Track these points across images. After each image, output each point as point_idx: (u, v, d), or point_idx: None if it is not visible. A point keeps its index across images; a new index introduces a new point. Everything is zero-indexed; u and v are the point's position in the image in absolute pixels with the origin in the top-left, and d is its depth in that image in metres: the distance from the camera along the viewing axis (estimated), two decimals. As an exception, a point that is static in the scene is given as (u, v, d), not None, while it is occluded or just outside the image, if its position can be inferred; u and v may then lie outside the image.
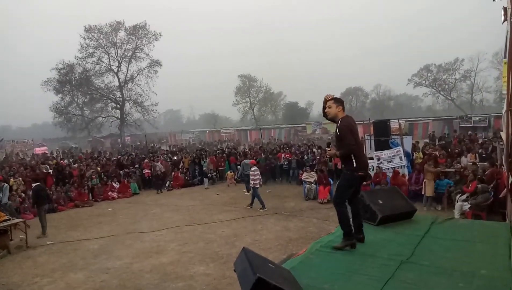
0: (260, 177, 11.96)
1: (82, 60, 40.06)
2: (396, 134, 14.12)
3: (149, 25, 41.18)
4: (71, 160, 20.09)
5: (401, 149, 12.01)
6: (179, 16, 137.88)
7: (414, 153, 13.66)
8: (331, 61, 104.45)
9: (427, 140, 21.53)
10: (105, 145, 40.92)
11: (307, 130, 37.55)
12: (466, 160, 12.53)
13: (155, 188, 16.24)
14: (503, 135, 6.81)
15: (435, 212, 9.61)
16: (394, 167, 11.82)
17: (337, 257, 3.65)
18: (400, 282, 2.99)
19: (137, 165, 17.95)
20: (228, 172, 17.08)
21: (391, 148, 12.34)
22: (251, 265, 2.55)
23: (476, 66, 46.20)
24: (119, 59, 41.88)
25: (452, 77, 48.06)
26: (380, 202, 4.68)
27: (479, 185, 8.74)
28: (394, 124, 17.38)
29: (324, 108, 4.06)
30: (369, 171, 11.92)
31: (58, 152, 27.91)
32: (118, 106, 42.81)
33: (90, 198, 14.54)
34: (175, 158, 19.80)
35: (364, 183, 11.51)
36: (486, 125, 25.81)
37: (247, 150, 21.51)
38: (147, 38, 41.46)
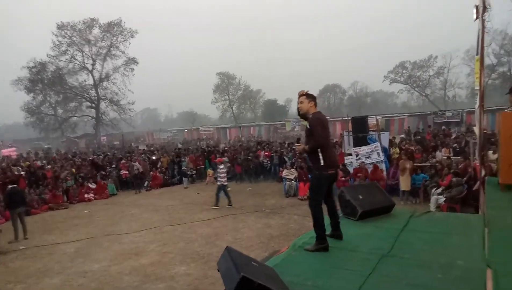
0: (226, 174, 12.07)
1: (54, 58, 38.85)
2: (373, 130, 14.38)
3: (124, 22, 40.37)
4: (44, 162, 19.44)
5: (378, 144, 12.24)
6: (155, 11, 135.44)
7: (391, 149, 13.96)
8: (309, 59, 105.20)
9: (403, 136, 22.06)
10: (80, 145, 39.74)
11: (287, 127, 37.74)
12: (440, 154, 12.91)
13: (133, 188, 15.94)
14: (476, 129, 7.03)
15: (412, 206, 9.86)
16: (372, 163, 12.04)
17: (319, 253, 3.67)
18: (382, 276, 3.03)
19: (114, 166, 17.56)
20: (209, 169, 16.97)
21: (369, 144, 12.55)
22: (235, 264, 2.52)
23: (449, 63, 47.64)
24: (93, 57, 40.83)
25: (426, 73, 49.34)
26: (360, 197, 4.73)
27: (454, 179, 9.03)
28: (371, 121, 17.73)
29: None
30: (347, 167, 12.32)
31: (30, 153, 26.94)
32: (93, 105, 41.75)
33: (65, 200, 14.13)
34: (154, 157, 19.50)
35: (343, 179, 11.73)
36: (459, 120, 26.64)
37: (227, 148, 21.42)
38: (122, 35, 40.61)
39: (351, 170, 12.32)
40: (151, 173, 16.99)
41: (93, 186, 15.26)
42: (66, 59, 39.61)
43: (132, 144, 35.80)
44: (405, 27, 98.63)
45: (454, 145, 14.21)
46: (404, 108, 56.75)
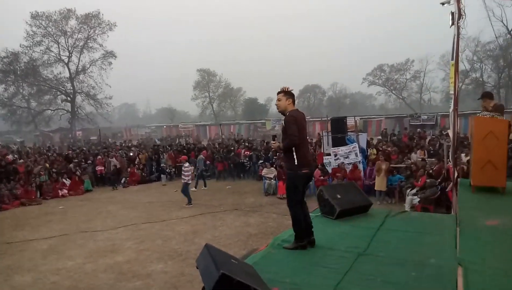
0: (191, 173, 12.15)
1: (28, 48, 37.54)
2: (352, 131, 14.64)
3: (102, 14, 39.43)
4: (16, 156, 18.76)
5: (356, 145, 12.47)
6: (135, 3, 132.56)
7: (368, 150, 14.24)
8: (290, 59, 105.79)
9: (379, 137, 22.55)
10: (54, 140, 38.56)
11: (267, 126, 37.84)
12: (416, 156, 13.26)
13: (110, 184, 15.63)
14: (450, 132, 7.28)
15: (388, 206, 10.10)
16: (350, 163, 12.26)
17: (298, 251, 3.71)
18: (358, 273, 3.10)
19: (89, 161, 17.14)
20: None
21: (348, 144, 12.77)
22: (214, 261, 2.51)
23: (425, 67, 49.02)
24: (69, 49, 39.77)
25: (403, 77, 50.60)
26: (339, 196, 4.81)
27: (428, 180, 9.31)
28: (350, 121, 18.03)
29: None
30: (326, 167, 12.50)
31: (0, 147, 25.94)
32: (68, 98, 40.65)
33: (38, 196, 13.67)
34: (131, 153, 19.16)
35: (322, 178, 11.89)
36: (434, 123, 27.48)
37: (206, 145, 21.31)
38: (100, 27, 39.65)
39: (329, 169, 12.50)
40: (129, 169, 16.69)
41: (67, 182, 14.85)
42: (40, 50, 38.49)
43: (109, 139, 35.05)
44: (384, 32, 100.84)
45: (429, 147, 14.64)
46: (381, 110, 58.00)
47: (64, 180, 14.78)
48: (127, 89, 76.43)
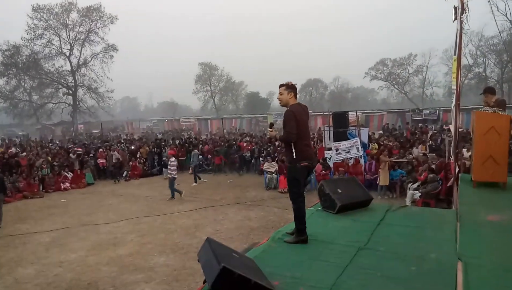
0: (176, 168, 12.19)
1: (29, 41, 37.38)
2: (353, 126, 14.61)
3: (104, 7, 39.21)
4: (18, 149, 18.83)
5: (358, 140, 12.46)
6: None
7: (370, 144, 14.23)
8: (292, 54, 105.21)
9: (381, 132, 22.51)
10: (56, 133, 38.63)
11: (268, 120, 37.78)
12: (417, 151, 13.26)
13: (111, 178, 15.68)
14: (451, 127, 7.26)
15: (389, 200, 10.13)
16: (351, 158, 12.27)
17: (299, 245, 3.72)
18: (358, 268, 3.12)
19: (91, 155, 17.19)
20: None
21: (349, 139, 12.75)
22: (215, 255, 2.53)
23: (428, 62, 48.68)
24: (71, 42, 39.56)
25: (406, 71, 50.26)
26: (339, 191, 4.81)
27: (429, 175, 9.31)
28: (351, 116, 17.97)
29: None
30: (327, 162, 12.50)
31: (2, 140, 26.05)
32: (70, 91, 40.57)
33: (41, 189, 13.75)
34: (132, 147, 19.19)
35: (323, 172, 11.91)
36: (436, 118, 27.32)
37: (207, 140, 21.31)
38: (102, 20, 39.43)
39: (330, 164, 12.51)
40: (130, 163, 16.73)
41: (69, 175, 14.91)
42: (42, 43, 38.26)
43: (111, 132, 35.07)
44: (387, 27, 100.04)
45: (430, 142, 14.62)
46: (383, 104, 57.74)
47: (66, 173, 14.84)
48: (129, 83, 76.36)
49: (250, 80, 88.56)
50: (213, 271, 2.42)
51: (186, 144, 18.64)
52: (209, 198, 11.51)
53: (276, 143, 16.93)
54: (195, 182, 13.89)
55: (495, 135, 5.15)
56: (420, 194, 9.26)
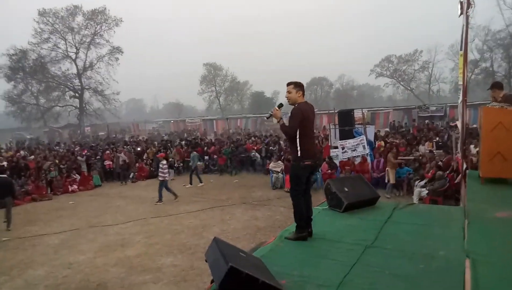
0: (168, 171, 12.19)
1: (36, 45, 37.80)
2: (359, 124, 14.54)
3: (109, 10, 39.49)
4: (26, 152, 19.04)
5: (364, 138, 12.41)
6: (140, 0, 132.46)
7: (376, 142, 14.16)
8: (296, 53, 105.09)
9: (387, 129, 22.37)
10: (63, 136, 38.99)
11: (273, 120, 37.75)
12: (424, 148, 13.17)
13: (118, 179, 15.79)
14: (458, 124, 7.19)
15: (396, 198, 10.07)
16: (357, 156, 12.22)
17: (305, 244, 3.73)
18: (365, 266, 3.11)
19: (98, 157, 17.32)
20: (198, 162, 16.91)
21: (355, 137, 12.70)
22: (223, 254, 2.54)
23: (434, 58, 48.23)
24: (77, 45, 39.90)
25: (412, 68, 49.85)
26: (346, 189, 4.81)
27: (437, 172, 9.25)
28: (357, 114, 17.90)
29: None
30: (333, 160, 12.46)
31: (11, 144, 26.34)
32: (76, 94, 40.90)
33: (49, 192, 13.88)
34: (139, 149, 19.30)
35: (329, 171, 11.87)
36: (443, 114, 27.07)
37: (213, 140, 21.37)
38: (106, 23, 39.71)
39: (337, 162, 12.47)
40: (137, 164, 16.83)
41: (77, 177, 15.03)
42: (48, 47, 38.65)
43: (117, 134, 35.29)
44: (392, 23, 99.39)
45: (437, 139, 14.51)
46: (389, 101, 57.43)
47: (73, 175, 14.97)
48: (134, 85, 76.81)
49: (255, 80, 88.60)
50: (221, 270, 2.44)
51: (191, 145, 18.71)
52: (216, 198, 11.53)
53: (281, 143, 16.96)
54: (190, 183, 13.87)
55: (503, 130, 5.09)
56: (427, 191, 9.20)
